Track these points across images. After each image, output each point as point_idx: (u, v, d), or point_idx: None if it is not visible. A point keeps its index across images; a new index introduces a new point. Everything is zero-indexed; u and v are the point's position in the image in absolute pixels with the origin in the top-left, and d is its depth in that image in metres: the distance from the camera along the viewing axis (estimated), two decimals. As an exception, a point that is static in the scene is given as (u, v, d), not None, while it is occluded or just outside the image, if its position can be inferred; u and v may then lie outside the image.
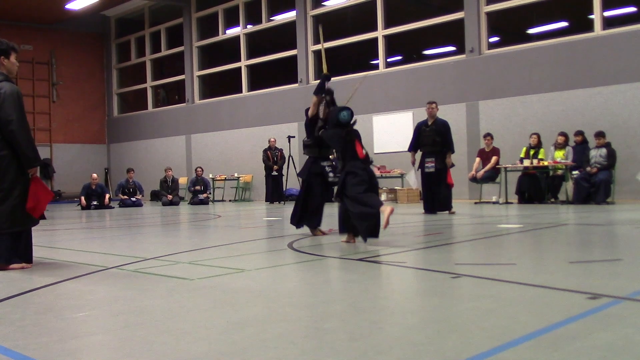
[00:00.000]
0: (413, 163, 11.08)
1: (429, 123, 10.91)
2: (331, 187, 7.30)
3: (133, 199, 17.69)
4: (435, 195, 10.67)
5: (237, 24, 21.37)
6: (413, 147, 11.07)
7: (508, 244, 6.24)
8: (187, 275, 4.36)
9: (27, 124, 5.06)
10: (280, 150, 17.61)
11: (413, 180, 10.60)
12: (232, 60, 21.47)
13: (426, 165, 10.75)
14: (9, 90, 4.91)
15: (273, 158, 17.43)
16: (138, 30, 24.90)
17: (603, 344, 2.43)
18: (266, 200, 17.72)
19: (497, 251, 5.77)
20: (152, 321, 3.12)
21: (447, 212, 10.59)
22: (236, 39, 21.37)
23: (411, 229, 7.99)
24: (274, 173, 17.28)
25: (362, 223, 5.97)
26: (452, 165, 10.91)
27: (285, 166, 17.31)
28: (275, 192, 17.38)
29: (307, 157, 7.49)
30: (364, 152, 6.35)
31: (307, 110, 7.51)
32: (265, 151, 17.64)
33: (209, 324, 3.00)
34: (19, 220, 4.93)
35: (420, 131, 10.97)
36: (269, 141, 17.77)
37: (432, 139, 10.70)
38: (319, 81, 7.42)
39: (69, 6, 21.46)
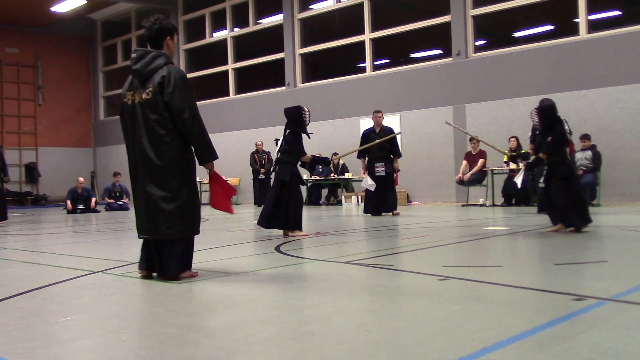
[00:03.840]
0: (364, 168, 11.50)
1: (377, 130, 11.48)
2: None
3: (119, 203, 17.58)
4: (384, 197, 11.25)
5: (224, 27, 21.33)
6: (362, 154, 11.52)
7: (495, 246, 6.26)
8: (173, 279, 4.34)
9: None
10: (268, 154, 17.66)
11: (369, 183, 10.97)
12: (219, 64, 21.44)
13: (377, 169, 11.27)
14: (179, 75, 4.29)
15: (260, 161, 17.52)
16: (124, 33, 24.79)
17: (588, 345, 2.44)
18: (255, 204, 17.74)
19: (484, 253, 5.79)
20: (138, 325, 3.11)
21: (391, 213, 11.23)
22: (223, 42, 21.33)
23: (398, 232, 8.01)
24: (261, 176, 17.41)
25: None
26: (399, 169, 11.58)
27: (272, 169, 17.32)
28: (263, 195, 17.44)
29: (285, 162, 7.65)
30: None
31: (290, 111, 7.73)
32: (252, 154, 17.73)
33: (195, 328, 2.99)
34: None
35: (368, 138, 11.44)
36: (256, 144, 17.85)
37: (380, 145, 11.16)
38: (324, 159, 8.65)
39: (54, 9, 21.33)
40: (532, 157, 7.67)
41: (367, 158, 11.45)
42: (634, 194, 12.96)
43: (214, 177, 4.56)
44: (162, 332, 2.89)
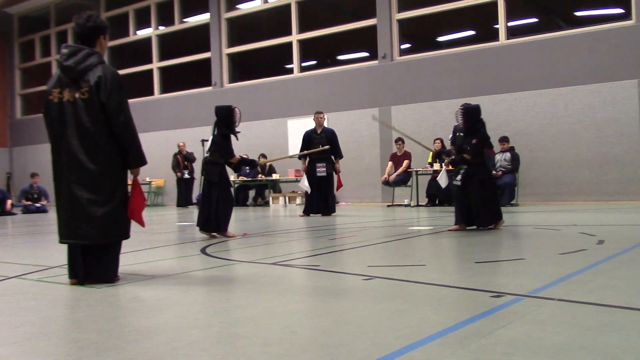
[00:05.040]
0: (304, 170, 11.55)
1: (318, 131, 11.53)
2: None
3: (37, 205, 16.92)
4: (325, 198, 11.33)
5: (148, 25, 20.89)
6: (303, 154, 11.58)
7: (419, 246, 6.40)
8: (94, 284, 4.21)
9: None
10: (191, 154, 17.58)
11: (306, 184, 11.06)
12: (144, 62, 20.97)
13: (318, 170, 11.33)
14: (115, 76, 4.18)
15: (183, 162, 17.42)
16: (43, 29, 23.87)
17: (505, 340, 2.53)
18: (177, 205, 17.54)
19: (409, 253, 5.91)
20: (56, 332, 2.99)
21: (332, 214, 11.37)
22: (148, 40, 20.89)
23: (326, 232, 8.06)
24: (186, 177, 17.32)
25: None
26: (340, 171, 11.60)
27: (198, 170, 17.21)
28: (186, 196, 17.43)
29: (214, 162, 7.56)
30: None
31: (220, 111, 7.60)
32: (175, 155, 17.59)
33: (116, 333, 2.91)
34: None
35: (310, 139, 11.48)
36: (179, 145, 17.74)
37: (321, 146, 11.26)
38: (251, 161, 8.25)
39: (-33, 1, 20.33)
40: (454, 156, 7.88)
41: (307, 159, 11.46)
42: (550, 194, 13.55)
43: (137, 184, 4.43)
44: (81, 339, 2.80)
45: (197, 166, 17.49)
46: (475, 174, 7.38)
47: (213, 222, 7.42)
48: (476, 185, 7.33)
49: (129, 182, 4.35)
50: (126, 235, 4.36)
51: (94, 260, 4.20)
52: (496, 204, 7.50)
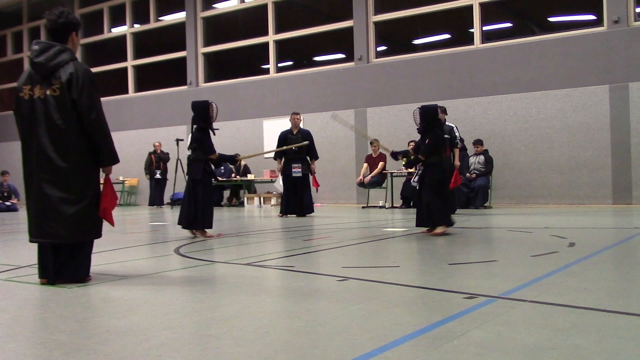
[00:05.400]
0: (280, 170, 11.59)
1: (294, 132, 11.56)
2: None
3: (7, 203, 16.64)
4: (301, 199, 11.36)
5: (123, 23, 20.68)
6: (279, 155, 11.59)
7: (393, 247, 6.43)
8: (64, 284, 4.14)
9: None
10: (167, 154, 17.49)
11: (280, 185, 11.09)
12: (118, 60, 20.76)
13: (293, 170, 11.36)
14: (88, 74, 4.11)
15: (157, 162, 17.36)
16: (15, 24, 23.48)
17: (478, 341, 2.55)
18: (150, 204, 17.45)
19: (383, 254, 5.93)
20: (25, 333, 2.94)
21: (311, 214, 11.43)
22: (122, 38, 20.68)
23: (301, 233, 8.05)
24: (158, 176, 17.28)
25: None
26: (315, 171, 11.62)
27: (173, 170, 17.15)
28: (158, 196, 17.41)
29: (195, 159, 7.51)
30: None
31: (197, 105, 7.57)
32: (150, 155, 17.55)
33: (87, 334, 2.87)
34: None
35: (285, 139, 11.48)
36: (154, 145, 17.66)
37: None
38: (231, 157, 8.31)
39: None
40: (412, 156, 7.82)
41: (283, 159, 11.47)
42: (522, 197, 13.71)
43: (110, 183, 4.37)
44: (51, 340, 2.75)
45: (171, 166, 17.39)
46: (429, 175, 7.28)
47: (200, 220, 7.40)
48: (430, 185, 7.24)
49: (102, 180, 4.30)
50: (98, 235, 4.30)
51: (64, 259, 4.14)
52: (443, 207, 7.26)
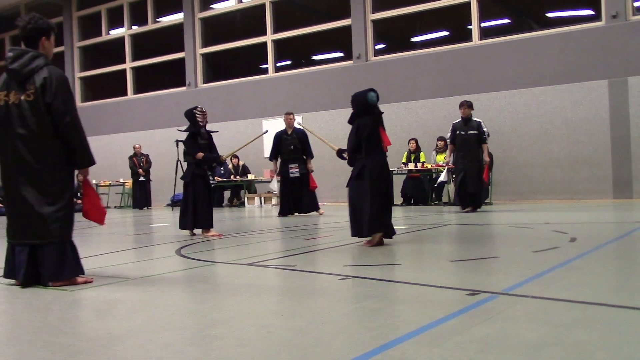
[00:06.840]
0: (275, 170, 11.59)
1: (289, 132, 11.54)
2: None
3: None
4: (299, 199, 11.34)
5: (121, 25, 20.67)
6: (274, 156, 11.60)
7: (394, 245, 6.41)
8: (67, 287, 4.14)
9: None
10: (146, 156, 17.82)
11: (275, 186, 11.11)
12: (117, 62, 20.75)
13: (291, 171, 11.36)
14: (61, 78, 4.16)
15: (139, 164, 17.51)
16: (13, 28, 23.46)
17: (480, 338, 2.54)
18: (134, 207, 17.61)
19: (384, 252, 5.91)
20: (27, 336, 2.94)
21: (317, 212, 11.40)
22: (121, 39, 20.67)
23: (302, 233, 8.05)
24: (141, 179, 17.43)
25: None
26: (312, 170, 11.61)
27: (173, 171, 17.19)
28: (142, 198, 17.58)
29: (188, 163, 7.88)
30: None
31: (185, 114, 7.82)
32: (131, 158, 17.77)
33: (89, 336, 2.86)
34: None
35: (281, 140, 11.49)
36: (134, 147, 17.94)
37: (293, 147, 11.34)
38: (214, 157, 7.88)
39: None
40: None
41: (279, 160, 11.45)
42: (523, 193, 13.71)
43: (88, 184, 4.47)
44: (53, 342, 2.75)
45: (168, 167, 17.40)
46: (354, 171, 6.14)
47: (199, 220, 7.64)
48: (354, 183, 6.12)
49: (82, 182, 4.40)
50: (69, 235, 4.27)
51: (44, 260, 4.15)
52: (374, 214, 5.92)
